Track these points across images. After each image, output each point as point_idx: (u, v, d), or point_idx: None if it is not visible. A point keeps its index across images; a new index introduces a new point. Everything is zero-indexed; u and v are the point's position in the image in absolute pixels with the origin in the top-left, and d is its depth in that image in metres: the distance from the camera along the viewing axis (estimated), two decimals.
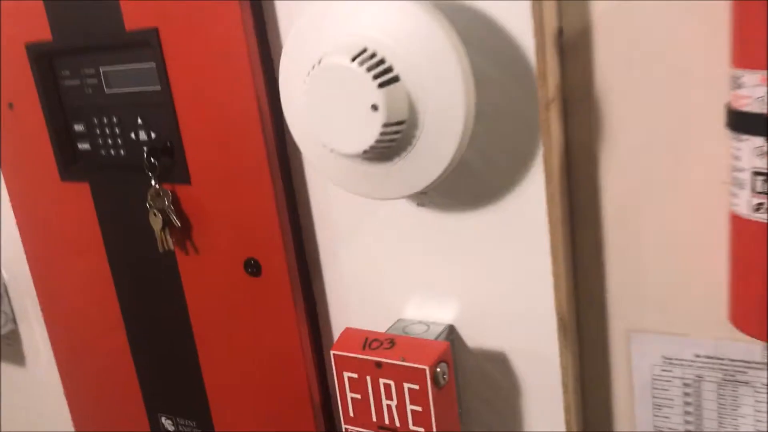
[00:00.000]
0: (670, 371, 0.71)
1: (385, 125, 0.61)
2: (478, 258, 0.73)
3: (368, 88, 0.60)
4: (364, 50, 0.61)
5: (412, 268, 0.76)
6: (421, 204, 0.74)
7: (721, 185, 0.62)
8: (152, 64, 0.78)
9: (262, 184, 0.78)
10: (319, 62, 0.62)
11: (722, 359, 0.68)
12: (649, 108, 0.65)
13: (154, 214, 0.81)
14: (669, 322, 0.70)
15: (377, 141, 0.61)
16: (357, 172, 0.67)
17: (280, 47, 0.74)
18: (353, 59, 0.60)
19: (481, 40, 0.64)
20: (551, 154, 0.67)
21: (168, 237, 0.82)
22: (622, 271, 0.71)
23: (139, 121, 0.81)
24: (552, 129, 0.66)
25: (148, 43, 0.77)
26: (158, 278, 0.87)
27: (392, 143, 0.63)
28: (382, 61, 0.61)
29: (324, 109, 0.63)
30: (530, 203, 0.68)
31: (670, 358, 0.71)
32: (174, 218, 0.81)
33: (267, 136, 0.77)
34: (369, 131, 0.61)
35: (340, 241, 0.80)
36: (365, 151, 0.62)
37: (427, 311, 0.77)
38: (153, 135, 0.81)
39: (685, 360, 0.70)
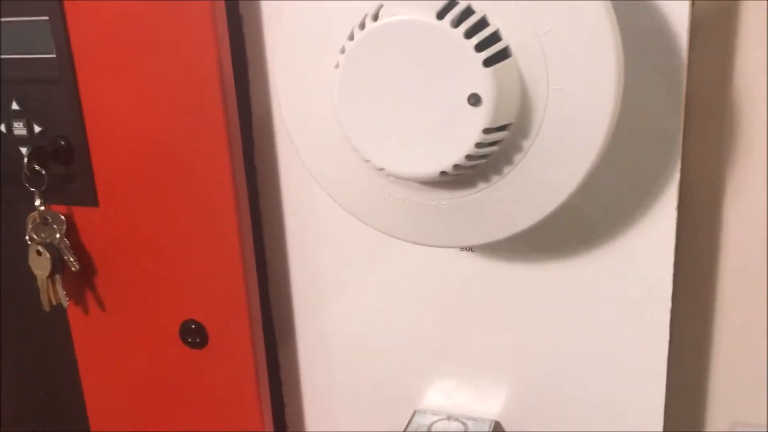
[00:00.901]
0: None
1: (487, 131, 0.36)
2: (546, 325, 0.52)
3: (467, 66, 0.36)
4: (453, 2, 0.37)
5: (440, 335, 0.55)
6: (466, 248, 0.51)
7: None
8: (44, 18, 0.55)
9: (217, 208, 0.54)
10: (374, 18, 0.37)
11: None
12: None
13: (38, 252, 0.58)
14: None
15: (468, 156, 0.37)
16: (412, 205, 0.42)
17: None
18: (440, 15, 0.36)
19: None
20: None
21: (59, 287, 0.59)
22: (732, 348, 0.57)
23: (15, 105, 0.58)
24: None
25: None
26: (40, 349, 0.65)
27: (484, 159, 0.39)
28: (483, 22, 0.37)
29: (373, 104, 0.38)
30: (644, 253, 0.48)
31: None
32: (69, 258, 0.58)
33: (232, 135, 0.51)
34: (459, 139, 0.37)
35: (328, 293, 0.57)
36: (443, 173, 0.38)
37: (459, 399, 0.56)
38: (37, 128, 0.58)
39: None
